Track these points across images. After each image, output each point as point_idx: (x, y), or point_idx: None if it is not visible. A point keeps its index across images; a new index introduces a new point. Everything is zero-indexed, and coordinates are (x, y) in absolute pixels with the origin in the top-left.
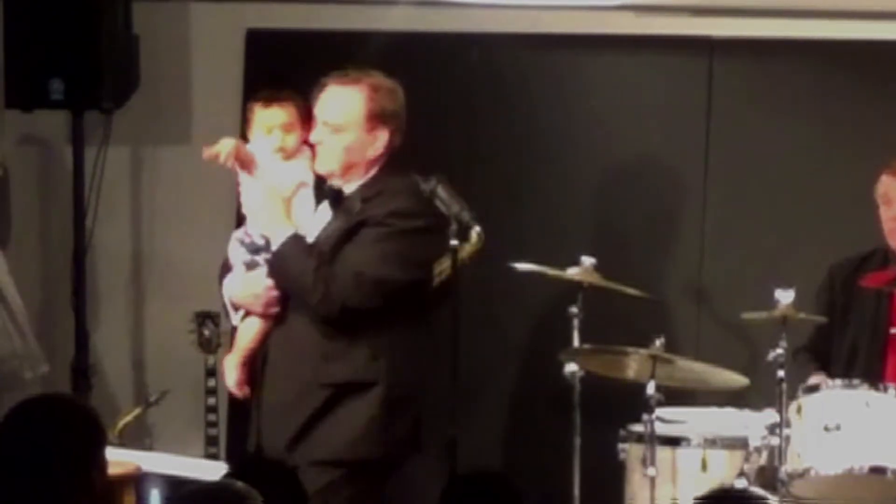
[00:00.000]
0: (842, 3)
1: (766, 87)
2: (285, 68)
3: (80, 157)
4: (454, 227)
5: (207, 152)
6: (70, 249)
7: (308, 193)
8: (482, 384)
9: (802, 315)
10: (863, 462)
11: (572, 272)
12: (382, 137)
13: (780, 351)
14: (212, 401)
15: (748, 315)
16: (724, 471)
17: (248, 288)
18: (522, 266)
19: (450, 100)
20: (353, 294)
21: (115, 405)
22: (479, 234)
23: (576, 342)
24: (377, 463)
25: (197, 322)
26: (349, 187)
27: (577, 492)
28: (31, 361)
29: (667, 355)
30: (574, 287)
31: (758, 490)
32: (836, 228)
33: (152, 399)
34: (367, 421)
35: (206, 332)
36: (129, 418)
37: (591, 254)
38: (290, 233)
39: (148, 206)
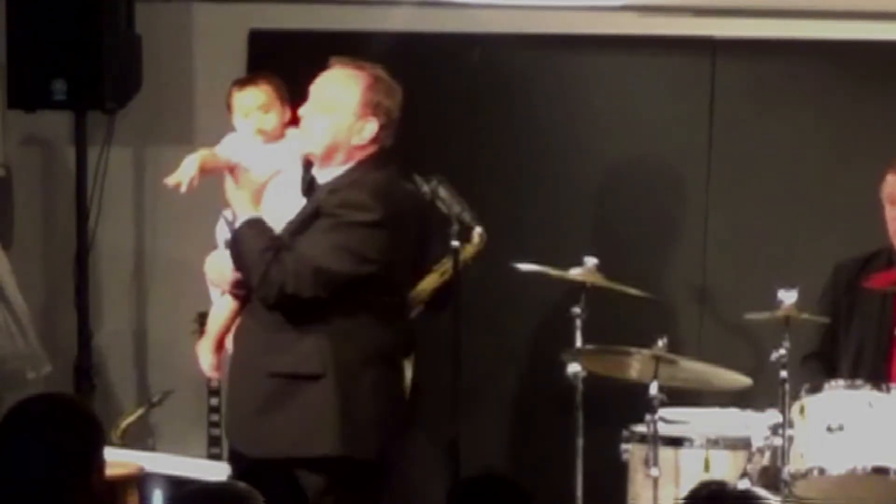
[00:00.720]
0: (844, 3)
1: (769, 87)
2: (288, 69)
3: (83, 158)
4: (456, 227)
5: (170, 181)
6: (73, 249)
7: (286, 181)
8: (484, 385)
9: (805, 315)
10: (866, 462)
11: (575, 272)
12: (371, 128)
13: (782, 351)
14: (214, 401)
15: (751, 315)
16: (727, 471)
17: (219, 265)
18: (525, 266)
19: (452, 100)
20: (291, 281)
21: (117, 405)
22: (480, 235)
23: (578, 342)
24: (343, 462)
25: (199, 322)
26: (324, 176)
27: (579, 492)
28: (33, 361)
29: (669, 356)
30: (577, 287)
31: (759, 490)
32: (838, 228)
33: (155, 399)
34: (317, 415)
35: None
36: (131, 418)
37: (594, 254)
38: (250, 215)
39: (150, 206)
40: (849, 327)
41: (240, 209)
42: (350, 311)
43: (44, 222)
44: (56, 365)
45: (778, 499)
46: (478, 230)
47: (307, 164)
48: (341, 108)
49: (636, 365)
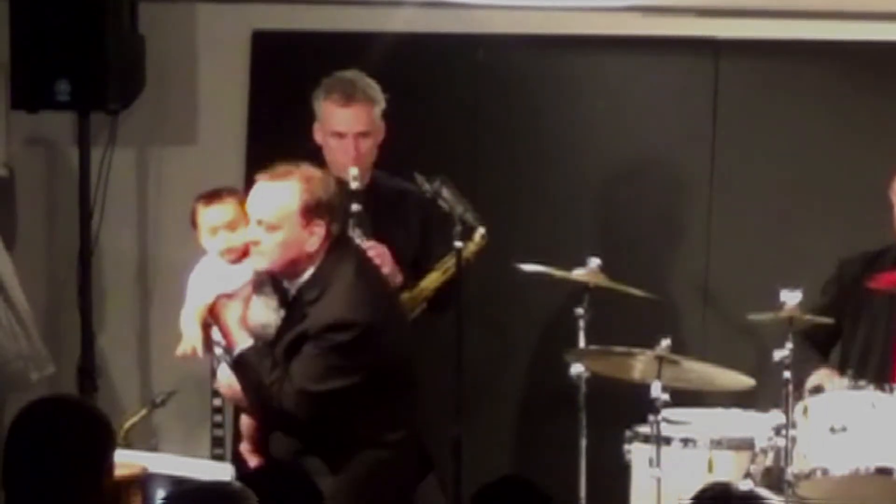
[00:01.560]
0: (847, 4)
1: (772, 87)
2: (291, 70)
3: (86, 158)
4: (458, 227)
5: (184, 350)
6: (76, 250)
7: (265, 294)
8: (487, 385)
9: (809, 316)
10: (869, 463)
11: (578, 273)
12: (319, 232)
13: (786, 352)
14: (217, 402)
15: (754, 316)
16: (731, 472)
17: (234, 388)
18: (528, 267)
19: (455, 101)
20: (301, 411)
21: (121, 406)
22: (482, 235)
23: (581, 343)
24: None
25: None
26: (294, 285)
27: (582, 493)
28: (37, 362)
29: (673, 356)
30: (580, 288)
31: (764, 491)
32: (842, 229)
33: (158, 400)
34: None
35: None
36: (135, 419)
37: (597, 255)
38: (244, 346)
39: (154, 206)
40: (854, 327)
41: (231, 338)
42: (368, 399)
43: (47, 223)
44: (59, 366)
45: (781, 499)
46: (480, 230)
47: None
48: (285, 223)
49: (639, 365)
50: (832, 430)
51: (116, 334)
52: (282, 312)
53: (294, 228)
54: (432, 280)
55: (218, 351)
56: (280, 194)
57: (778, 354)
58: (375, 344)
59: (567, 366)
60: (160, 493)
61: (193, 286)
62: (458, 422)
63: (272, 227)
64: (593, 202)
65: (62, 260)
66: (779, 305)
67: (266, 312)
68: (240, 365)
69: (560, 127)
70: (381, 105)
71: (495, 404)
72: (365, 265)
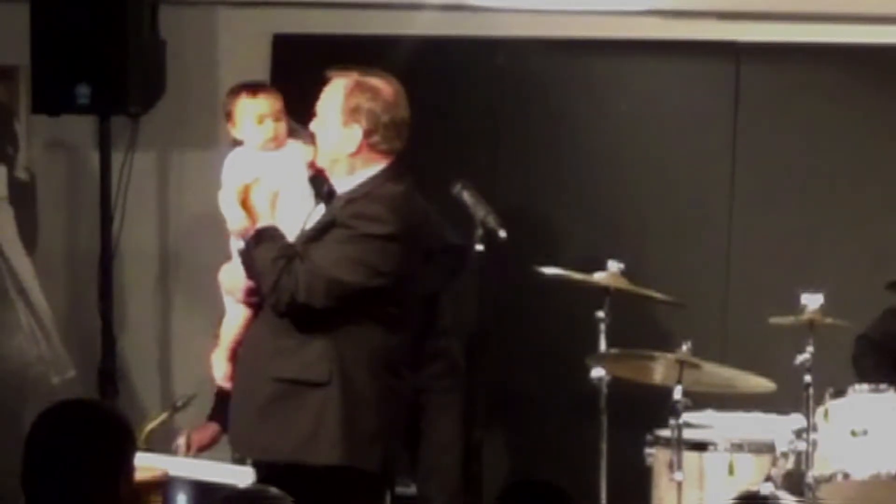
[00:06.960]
0: (868, 7)
1: (793, 91)
2: (312, 73)
3: (107, 162)
4: (480, 231)
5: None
6: (97, 254)
7: (297, 186)
8: (509, 388)
9: (830, 319)
10: (890, 467)
11: (599, 276)
12: (354, 134)
13: (807, 355)
14: None
15: (775, 319)
16: (752, 475)
17: (233, 273)
18: (549, 270)
19: (475, 105)
20: (303, 290)
21: (141, 409)
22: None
23: (603, 347)
24: (343, 472)
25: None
26: (343, 185)
27: (603, 496)
28: (57, 366)
29: (694, 360)
30: (601, 291)
31: (785, 494)
32: (863, 232)
33: (179, 403)
34: (319, 422)
35: None
36: (155, 423)
37: (618, 258)
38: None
39: (174, 210)
40: None
41: (257, 220)
42: (358, 320)
43: (68, 226)
44: (80, 369)
45: (801, 501)
46: (501, 233)
47: (321, 172)
48: (330, 119)
49: (660, 369)
50: (853, 433)
51: (137, 337)
52: (315, 213)
53: (336, 126)
54: None
55: (236, 241)
56: (330, 91)
57: (799, 358)
58: (399, 255)
59: (588, 369)
60: (181, 497)
61: (229, 171)
62: (480, 425)
63: (320, 122)
64: (614, 205)
65: (83, 263)
66: (800, 309)
67: (299, 204)
68: (255, 239)
69: (580, 131)
70: None
71: (516, 408)
72: (415, 194)
